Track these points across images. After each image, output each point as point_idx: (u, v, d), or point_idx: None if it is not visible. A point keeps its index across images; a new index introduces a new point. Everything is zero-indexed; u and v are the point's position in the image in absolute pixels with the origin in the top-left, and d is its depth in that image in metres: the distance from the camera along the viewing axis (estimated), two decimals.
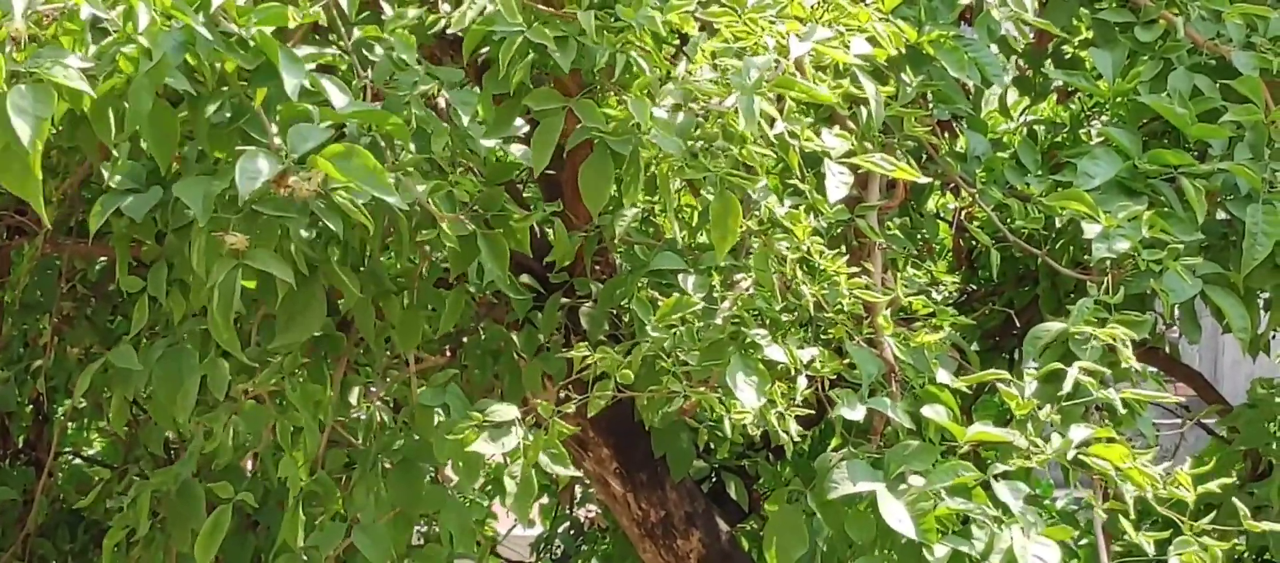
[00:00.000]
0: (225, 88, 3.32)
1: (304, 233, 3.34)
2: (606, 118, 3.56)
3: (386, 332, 4.13)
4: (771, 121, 3.61)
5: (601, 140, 3.55)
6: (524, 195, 4.78)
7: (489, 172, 3.95)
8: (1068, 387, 3.77)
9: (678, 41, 4.10)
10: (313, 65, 3.38)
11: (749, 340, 3.68)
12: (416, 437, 4.15)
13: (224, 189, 3.27)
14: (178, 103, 3.30)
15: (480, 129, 3.72)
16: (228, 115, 3.35)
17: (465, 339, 4.72)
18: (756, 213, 3.77)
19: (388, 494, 4.06)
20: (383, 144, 3.55)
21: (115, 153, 3.52)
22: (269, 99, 3.32)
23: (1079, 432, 3.66)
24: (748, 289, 3.83)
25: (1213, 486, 3.75)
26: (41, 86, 2.92)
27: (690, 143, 3.52)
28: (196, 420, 4.15)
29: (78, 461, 6.25)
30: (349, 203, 3.25)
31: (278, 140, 3.25)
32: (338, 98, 3.35)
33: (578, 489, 7.02)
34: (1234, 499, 3.83)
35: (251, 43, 3.28)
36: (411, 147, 3.62)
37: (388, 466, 4.12)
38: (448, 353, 4.73)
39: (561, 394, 3.86)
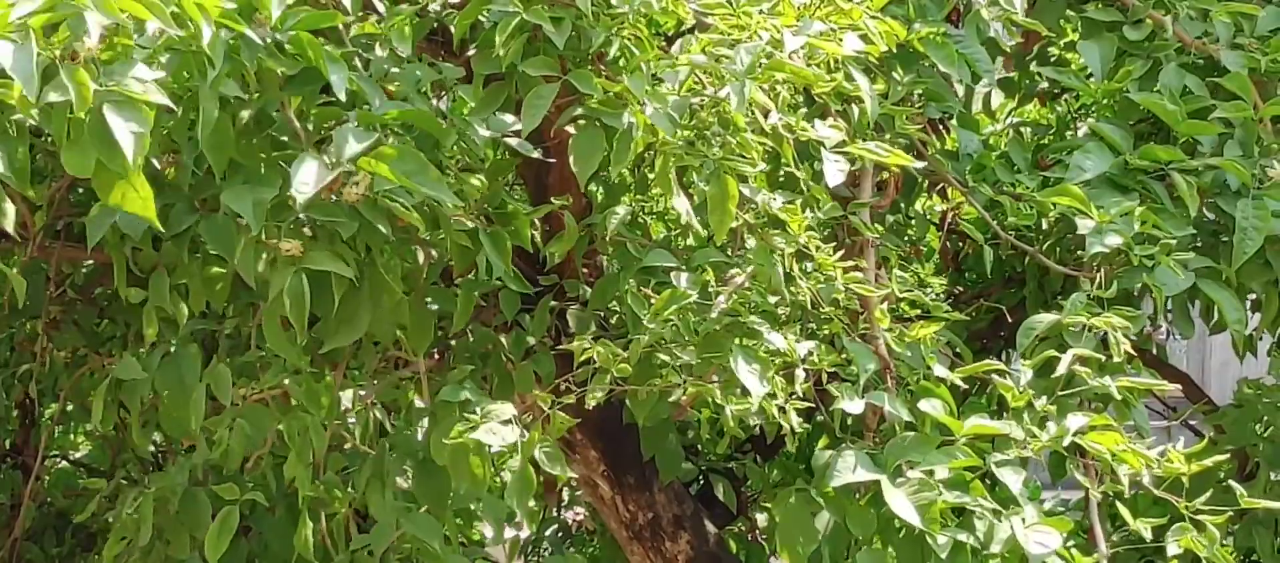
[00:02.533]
0: (260, 94, 3.35)
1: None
2: (602, 89, 3.55)
3: (391, 334, 4.11)
4: (766, 113, 3.64)
5: (592, 113, 3.54)
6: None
7: (489, 169, 3.93)
8: (1062, 370, 3.78)
9: (665, 43, 4.09)
10: None
11: (749, 328, 3.69)
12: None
13: (275, 198, 3.31)
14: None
15: (480, 128, 3.71)
16: (255, 123, 3.41)
17: (454, 342, 4.65)
18: (753, 206, 3.77)
19: (415, 494, 4.07)
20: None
21: None
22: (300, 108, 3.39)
23: (1075, 419, 3.67)
24: (743, 284, 3.83)
25: (1207, 462, 3.78)
26: (133, 103, 2.90)
27: (685, 131, 3.53)
28: (203, 426, 4.11)
29: (65, 464, 6.20)
30: (398, 205, 3.30)
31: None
32: (377, 99, 3.38)
33: (565, 492, 6.98)
34: (1230, 482, 3.84)
35: (287, 48, 3.31)
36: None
37: (407, 468, 4.12)
38: (437, 357, 4.67)
39: (558, 388, 3.85)
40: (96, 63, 2.90)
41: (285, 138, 3.47)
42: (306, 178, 3.20)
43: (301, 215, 3.36)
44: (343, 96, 3.30)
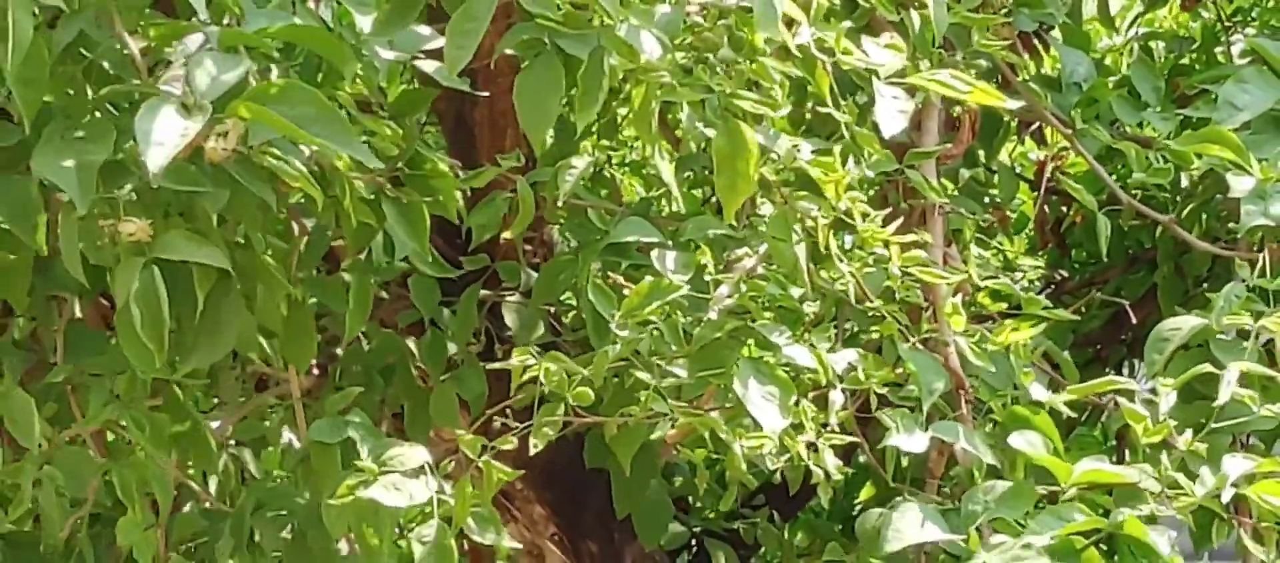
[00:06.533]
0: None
1: None
2: (557, 5, 3.41)
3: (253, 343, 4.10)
4: (792, 25, 3.60)
5: (545, 34, 3.41)
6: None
7: (393, 105, 3.92)
8: (1224, 397, 3.74)
9: None
10: None
11: (760, 337, 3.67)
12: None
13: (108, 158, 3.18)
14: None
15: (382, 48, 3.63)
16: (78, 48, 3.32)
17: (340, 351, 4.68)
18: (772, 158, 3.75)
19: None
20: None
21: None
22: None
23: (1234, 463, 3.62)
24: (756, 268, 3.83)
25: None
26: None
27: (679, 55, 3.48)
28: None
29: None
30: (284, 165, 3.19)
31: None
32: (254, 10, 3.23)
33: None
34: None
35: None
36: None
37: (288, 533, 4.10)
38: (316, 371, 4.71)
39: (492, 424, 3.79)
40: None
41: (109, 66, 3.34)
42: (162, 133, 2.96)
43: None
44: (203, 9, 3.17)
